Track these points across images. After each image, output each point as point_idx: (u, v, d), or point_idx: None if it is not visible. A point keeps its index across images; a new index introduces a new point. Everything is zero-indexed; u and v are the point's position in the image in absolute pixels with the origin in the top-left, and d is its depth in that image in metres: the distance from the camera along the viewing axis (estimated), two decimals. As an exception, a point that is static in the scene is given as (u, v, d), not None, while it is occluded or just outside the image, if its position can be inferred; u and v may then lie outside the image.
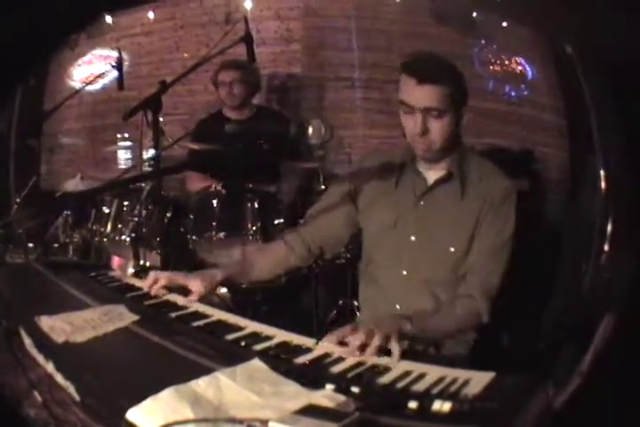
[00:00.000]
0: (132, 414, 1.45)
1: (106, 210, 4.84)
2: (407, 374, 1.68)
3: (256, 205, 4.35)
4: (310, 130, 5.01)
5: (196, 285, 2.56)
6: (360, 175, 2.84)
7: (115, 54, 6.26)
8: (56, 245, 5.13)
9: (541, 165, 5.01)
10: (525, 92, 5.22)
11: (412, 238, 2.69)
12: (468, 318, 2.51)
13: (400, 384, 1.59)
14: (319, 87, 6.08)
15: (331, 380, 1.58)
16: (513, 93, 5.26)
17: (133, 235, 4.59)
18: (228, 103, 5.23)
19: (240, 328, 2.18)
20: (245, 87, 5.16)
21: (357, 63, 5.92)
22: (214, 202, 4.38)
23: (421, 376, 1.65)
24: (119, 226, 4.73)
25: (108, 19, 6.63)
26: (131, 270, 4.46)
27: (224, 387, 1.53)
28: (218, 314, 2.36)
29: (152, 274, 2.61)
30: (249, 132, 4.99)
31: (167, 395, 1.48)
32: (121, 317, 2.22)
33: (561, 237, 4.14)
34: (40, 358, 1.91)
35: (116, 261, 4.83)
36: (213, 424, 1.36)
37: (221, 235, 4.30)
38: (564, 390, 1.74)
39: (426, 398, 1.44)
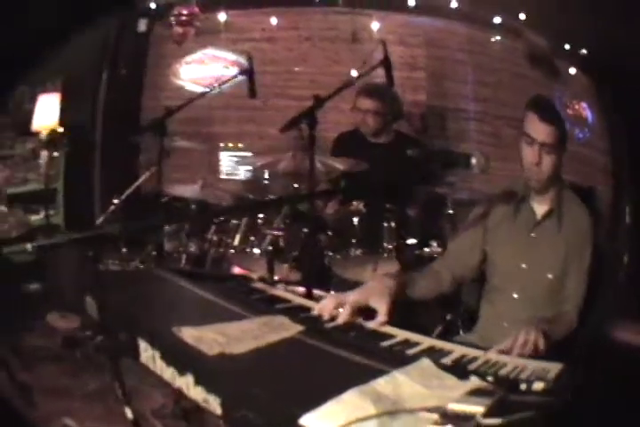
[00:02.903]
0: (306, 420, 1.57)
1: (233, 221, 4.92)
2: (516, 366, 2.15)
3: (393, 225, 4.54)
4: (474, 160, 5.04)
5: (381, 304, 2.63)
6: (490, 205, 3.26)
7: (231, 57, 6.47)
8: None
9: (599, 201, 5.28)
10: (587, 135, 5.56)
11: (523, 266, 3.10)
12: (567, 329, 2.90)
13: (512, 374, 2.08)
14: (441, 116, 6.25)
15: (471, 373, 1.98)
16: (580, 135, 5.56)
17: (270, 248, 4.59)
18: (361, 129, 5.30)
19: (392, 336, 2.42)
20: (380, 119, 5.20)
21: (472, 96, 6.17)
22: (355, 220, 4.56)
23: (523, 369, 2.12)
24: (251, 238, 4.78)
25: (222, 16, 6.41)
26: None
27: (401, 383, 1.79)
28: (366, 324, 2.55)
29: (332, 298, 2.64)
30: (387, 157, 5.06)
31: (351, 395, 1.66)
32: (284, 327, 2.27)
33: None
34: (169, 372, 1.99)
35: (237, 272, 4.82)
36: (391, 417, 1.57)
37: (358, 252, 4.48)
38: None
39: (529, 382, 1.93)
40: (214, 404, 1.76)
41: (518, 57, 5.81)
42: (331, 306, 2.56)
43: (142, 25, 6.62)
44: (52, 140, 4.73)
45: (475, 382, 1.88)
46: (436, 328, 4.45)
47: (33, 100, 6.19)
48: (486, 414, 1.59)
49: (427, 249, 4.55)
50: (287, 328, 2.25)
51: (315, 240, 4.47)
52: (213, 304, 2.55)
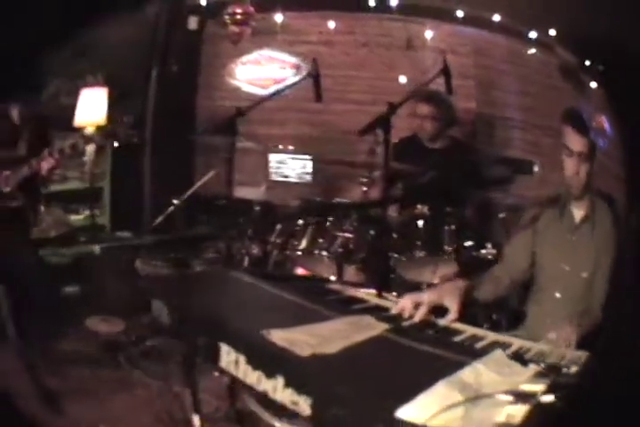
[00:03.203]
0: (403, 412, 1.68)
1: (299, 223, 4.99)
2: (559, 355, 2.38)
3: (453, 228, 4.69)
4: (536, 168, 5.44)
5: (452, 304, 2.84)
6: (539, 209, 3.45)
7: (289, 59, 6.38)
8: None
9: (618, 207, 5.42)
10: (606, 145, 5.67)
11: (565, 267, 3.29)
12: (594, 323, 3.08)
13: (557, 361, 2.29)
14: (490, 124, 6.37)
15: (528, 362, 2.22)
16: (601, 145, 5.75)
17: (340, 250, 4.71)
18: (418, 134, 5.46)
19: (462, 332, 2.61)
20: (437, 125, 5.37)
21: (515, 105, 6.31)
22: (420, 223, 4.72)
23: (563, 357, 2.35)
24: (320, 240, 4.85)
25: (278, 17, 6.30)
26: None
27: (481, 372, 2.02)
28: (438, 321, 2.74)
29: (410, 298, 2.79)
30: (443, 162, 5.16)
31: (441, 387, 1.85)
32: (370, 326, 2.38)
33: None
34: (254, 376, 2.02)
35: (300, 273, 4.87)
36: (474, 403, 1.76)
37: (422, 254, 4.64)
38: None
39: (568, 366, 2.18)
40: (304, 405, 1.83)
41: (551, 69, 5.92)
42: (409, 305, 2.73)
43: (193, 22, 6.52)
44: (100, 136, 4.49)
45: (534, 368, 2.16)
46: (483, 327, 4.56)
47: (71, 94, 6.02)
48: (546, 392, 1.88)
49: (483, 251, 4.68)
50: (373, 327, 2.38)
51: (382, 242, 4.55)
52: (297, 305, 2.61)
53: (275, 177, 6.30)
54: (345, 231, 4.76)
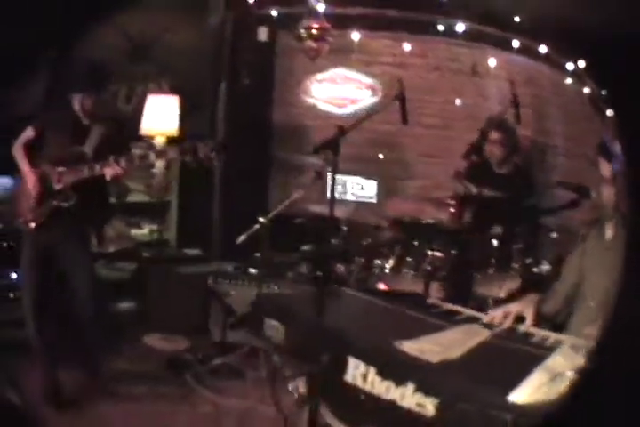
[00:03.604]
0: (515, 396, 2.06)
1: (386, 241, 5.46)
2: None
3: (520, 247, 5.15)
4: (593, 193, 5.34)
5: (530, 313, 3.22)
6: (587, 229, 3.62)
7: (365, 79, 6.43)
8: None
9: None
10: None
11: (600, 279, 3.38)
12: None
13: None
14: (542, 151, 6.67)
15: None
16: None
17: (429, 268, 5.12)
18: (489, 159, 5.71)
19: (535, 334, 2.92)
20: (505, 150, 5.66)
21: (559, 133, 6.62)
22: (494, 242, 5.15)
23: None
24: (408, 259, 5.30)
25: (355, 36, 6.27)
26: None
27: (561, 359, 2.47)
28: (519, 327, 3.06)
29: (501, 309, 3.20)
30: (509, 185, 5.52)
31: (535, 374, 2.25)
32: (478, 333, 2.78)
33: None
34: (383, 386, 2.30)
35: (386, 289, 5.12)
36: (553, 380, 2.22)
37: (492, 271, 5.05)
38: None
39: None
40: (430, 406, 2.13)
41: (583, 98, 6.13)
42: (500, 315, 3.16)
43: (263, 33, 6.48)
44: (175, 151, 4.14)
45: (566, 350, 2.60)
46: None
47: (130, 100, 5.99)
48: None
49: (540, 267, 5.17)
50: (480, 334, 2.76)
51: (465, 261, 5.11)
52: (411, 318, 2.94)
53: (348, 197, 6.25)
54: (434, 250, 5.17)
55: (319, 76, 6.52)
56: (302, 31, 5.73)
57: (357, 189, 6.13)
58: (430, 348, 2.44)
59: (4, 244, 5.00)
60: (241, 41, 6.31)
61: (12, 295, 4.78)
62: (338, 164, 4.06)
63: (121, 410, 3.92)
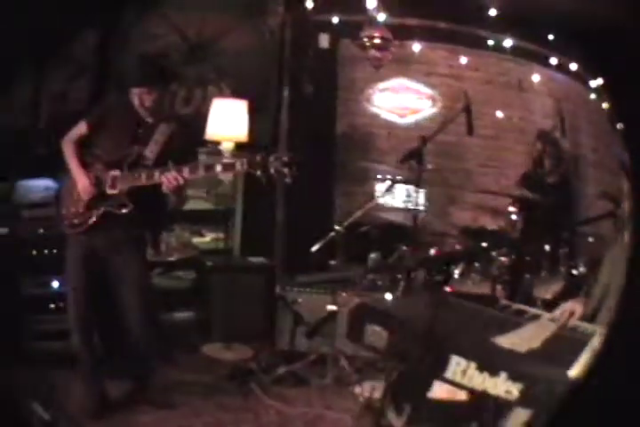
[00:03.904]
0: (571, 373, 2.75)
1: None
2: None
3: (566, 251, 5.40)
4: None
5: (579, 311, 3.46)
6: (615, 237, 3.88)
7: (425, 89, 6.49)
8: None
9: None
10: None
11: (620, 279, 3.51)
12: None
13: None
14: (576, 163, 6.81)
15: None
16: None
17: (496, 272, 5.30)
18: (537, 170, 6.06)
19: (582, 325, 3.30)
20: (554, 162, 5.99)
21: (589, 146, 6.78)
22: (547, 247, 5.41)
23: None
24: (476, 265, 5.48)
25: (416, 47, 6.30)
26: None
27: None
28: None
29: (563, 308, 3.48)
30: (558, 195, 5.90)
31: (584, 354, 2.84)
32: (548, 327, 3.22)
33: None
34: (480, 378, 2.89)
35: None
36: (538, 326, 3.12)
37: (544, 274, 5.31)
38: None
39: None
40: (515, 392, 2.78)
41: (602, 113, 6.15)
42: (566, 313, 3.42)
43: (324, 40, 6.38)
44: (244, 165, 3.49)
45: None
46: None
47: (192, 103, 5.94)
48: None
49: (581, 270, 5.28)
50: (549, 327, 3.20)
51: (524, 265, 5.33)
52: (494, 317, 3.36)
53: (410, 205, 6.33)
54: (502, 255, 5.38)
55: (381, 85, 6.51)
56: (365, 40, 5.71)
57: (421, 197, 6.08)
58: (518, 341, 3.04)
59: (45, 250, 4.64)
60: (301, 46, 6.14)
61: (53, 306, 4.53)
62: (422, 173, 4.13)
63: (178, 421, 3.83)
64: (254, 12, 5.96)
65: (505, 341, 3.04)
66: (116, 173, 3.81)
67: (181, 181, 3.65)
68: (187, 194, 4.20)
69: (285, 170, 3.53)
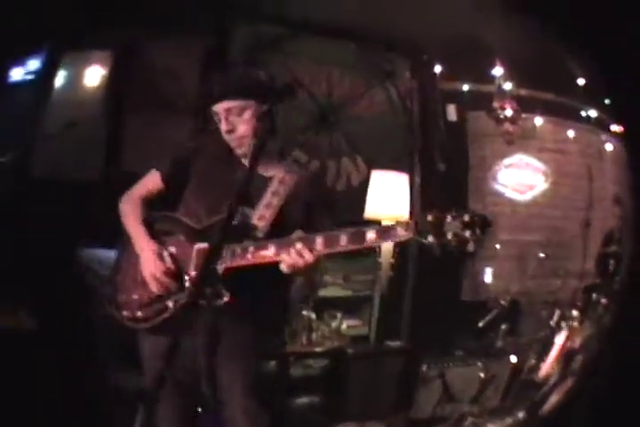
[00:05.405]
0: None
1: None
2: None
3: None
4: None
5: None
6: None
7: (537, 164, 6.42)
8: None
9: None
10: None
11: None
12: None
13: None
14: None
15: None
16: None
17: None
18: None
19: None
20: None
21: None
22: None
23: None
24: None
25: (538, 120, 6.18)
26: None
27: None
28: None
29: None
30: None
31: None
32: None
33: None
34: None
35: None
36: None
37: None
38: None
39: None
40: None
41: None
42: None
43: (452, 112, 5.99)
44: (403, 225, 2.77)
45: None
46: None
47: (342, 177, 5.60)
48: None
49: None
50: None
51: None
52: None
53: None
54: None
55: (506, 161, 6.33)
56: (498, 112, 5.57)
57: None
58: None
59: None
60: (429, 118, 5.91)
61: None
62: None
63: None
64: (382, 72, 5.65)
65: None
66: (202, 246, 2.68)
67: (311, 259, 2.44)
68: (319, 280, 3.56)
69: (467, 233, 2.22)
